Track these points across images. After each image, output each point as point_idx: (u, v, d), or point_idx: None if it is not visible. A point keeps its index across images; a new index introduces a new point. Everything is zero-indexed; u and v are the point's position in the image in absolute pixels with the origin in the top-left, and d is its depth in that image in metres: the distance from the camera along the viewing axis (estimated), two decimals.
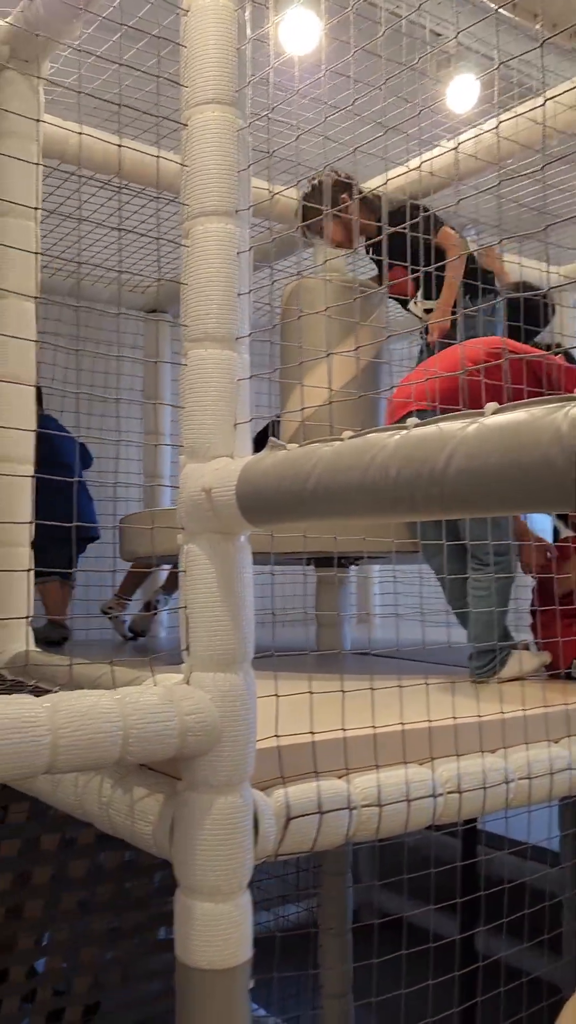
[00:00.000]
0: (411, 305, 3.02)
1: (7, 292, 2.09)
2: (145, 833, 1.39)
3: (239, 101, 1.43)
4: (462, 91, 2.99)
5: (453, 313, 2.75)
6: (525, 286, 2.87)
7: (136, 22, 2.08)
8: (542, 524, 2.84)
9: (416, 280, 2.82)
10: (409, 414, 2.29)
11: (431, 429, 1.02)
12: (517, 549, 2.44)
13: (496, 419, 0.96)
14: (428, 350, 2.95)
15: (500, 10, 1.79)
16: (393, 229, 1.95)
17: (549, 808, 3.22)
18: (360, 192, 2.89)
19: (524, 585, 2.58)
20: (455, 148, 2.35)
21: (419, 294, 2.93)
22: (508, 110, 2.37)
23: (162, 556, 2.94)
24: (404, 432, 1.06)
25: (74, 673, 1.64)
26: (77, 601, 3.61)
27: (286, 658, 1.57)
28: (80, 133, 2.49)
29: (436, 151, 2.63)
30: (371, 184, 3.09)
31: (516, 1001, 2.49)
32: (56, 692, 1.26)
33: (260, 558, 1.49)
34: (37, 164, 2.16)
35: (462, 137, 2.67)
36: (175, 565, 1.43)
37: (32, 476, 2.09)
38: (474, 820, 3.19)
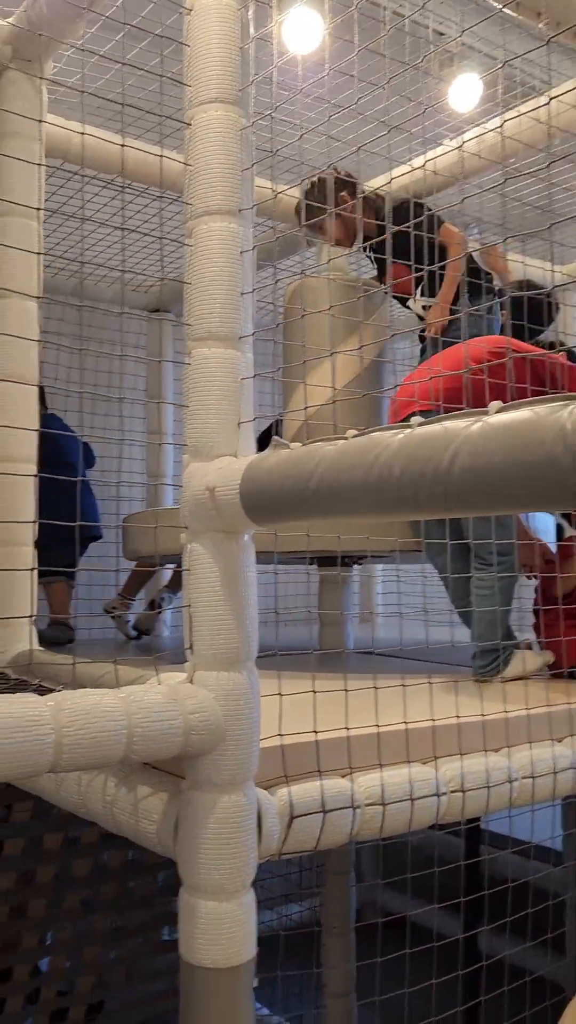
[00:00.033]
0: (410, 303, 3.02)
1: (10, 292, 2.09)
2: (149, 832, 1.39)
3: (242, 100, 1.43)
4: (465, 90, 2.99)
5: (452, 311, 2.75)
6: (529, 285, 2.87)
7: (139, 21, 2.08)
8: (545, 523, 2.83)
9: (416, 278, 2.82)
10: (413, 414, 2.29)
11: (435, 428, 1.02)
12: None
13: (500, 418, 0.96)
14: (431, 345, 2.95)
15: (504, 9, 1.79)
16: (397, 228, 1.95)
17: (552, 807, 3.22)
18: (361, 191, 2.90)
19: (527, 584, 2.58)
20: (459, 147, 2.35)
21: (418, 292, 2.93)
22: (511, 109, 2.37)
23: (165, 555, 2.95)
24: (408, 431, 1.06)
25: (77, 672, 1.64)
26: (80, 600, 3.61)
27: (289, 657, 1.57)
28: (83, 133, 2.49)
29: (440, 150, 2.63)
30: (375, 183, 3.09)
31: (519, 1000, 2.48)
32: (60, 691, 1.26)
33: (263, 557, 1.49)
34: (40, 164, 2.16)
35: (466, 136, 2.66)
36: (179, 564, 1.43)
37: (36, 476, 2.09)
38: (477, 819, 3.19)
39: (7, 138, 2.17)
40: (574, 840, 3.50)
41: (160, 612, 3.71)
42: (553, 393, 0.97)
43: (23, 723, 1.14)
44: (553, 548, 2.66)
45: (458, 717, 1.68)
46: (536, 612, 2.53)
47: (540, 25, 1.98)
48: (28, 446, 2.13)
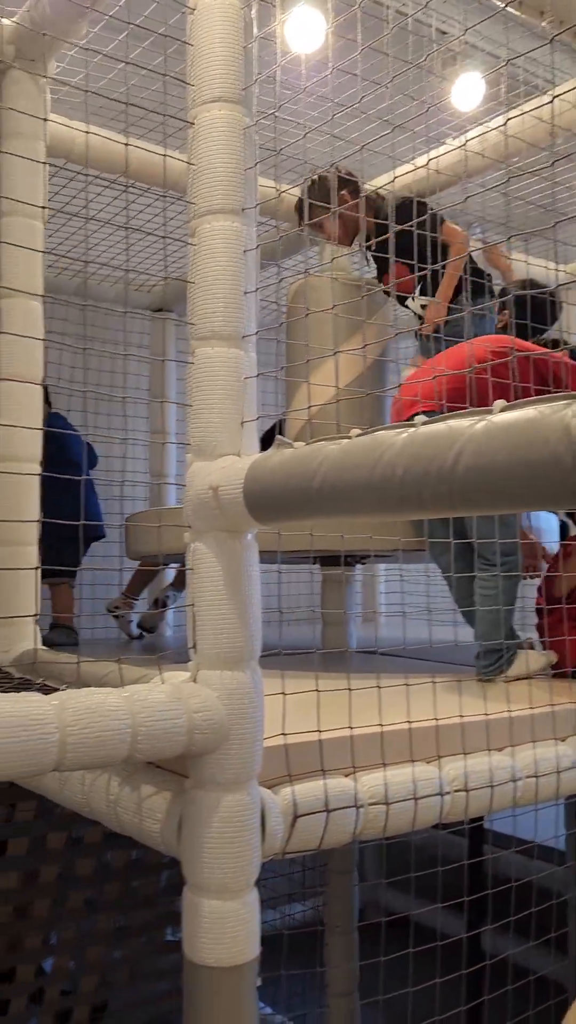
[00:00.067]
0: (409, 301, 3.02)
1: (13, 291, 2.09)
2: (153, 831, 1.39)
3: (245, 99, 1.43)
4: (468, 89, 2.98)
5: (449, 309, 2.75)
6: (532, 284, 2.87)
7: (142, 21, 2.08)
8: (549, 522, 2.83)
9: (417, 277, 2.82)
10: (416, 415, 2.28)
11: (440, 427, 1.02)
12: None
13: (504, 417, 0.96)
14: (423, 343, 2.95)
15: (507, 8, 1.79)
16: (400, 228, 1.94)
17: (556, 807, 3.22)
18: (360, 190, 2.90)
19: (530, 584, 2.58)
20: (463, 146, 2.35)
21: (416, 290, 2.93)
22: (514, 108, 2.37)
23: (169, 555, 2.95)
24: (412, 430, 1.06)
25: (81, 671, 1.64)
26: (83, 600, 3.61)
27: (292, 657, 1.57)
28: (86, 132, 2.50)
29: (442, 149, 2.63)
30: (379, 182, 3.09)
31: (523, 1000, 2.48)
32: (64, 690, 1.26)
33: (266, 556, 1.50)
34: (43, 163, 2.16)
35: (468, 135, 2.66)
36: (183, 563, 1.43)
37: (39, 475, 2.09)
38: (481, 819, 3.19)
39: (10, 137, 2.17)
40: None
41: (166, 610, 3.71)
42: (556, 392, 0.96)
43: (27, 722, 1.14)
44: (556, 548, 2.66)
45: (462, 716, 1.68)
46: (539, 612, 2.53)
47: (543, 24, 1.98)
48: (32, 445, 2.13)
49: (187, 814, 1.33)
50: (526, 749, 1.75)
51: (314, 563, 2.99)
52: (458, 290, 2.80)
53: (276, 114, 1.53)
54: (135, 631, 3.68)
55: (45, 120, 2.21)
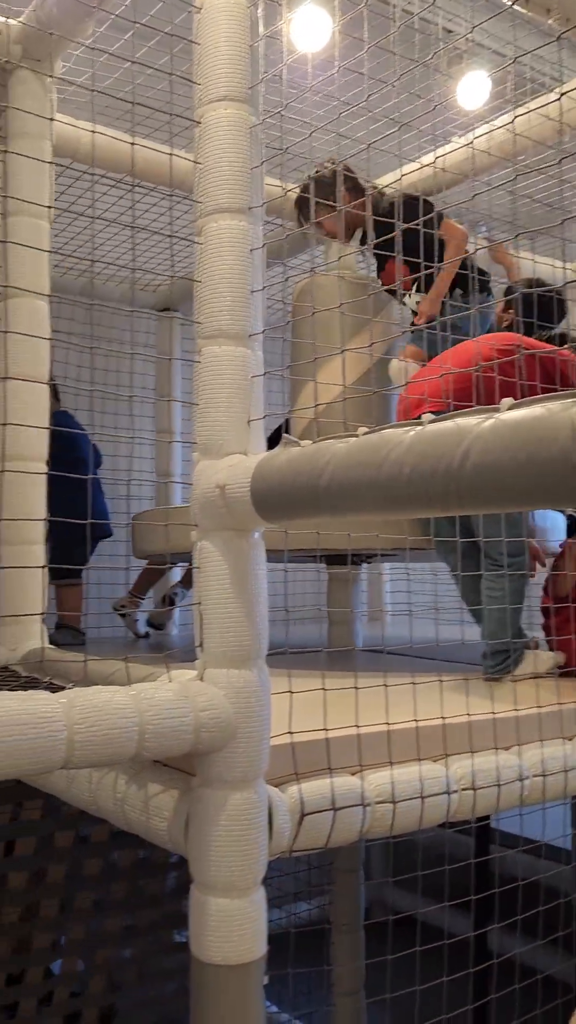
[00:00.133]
0: (405, 298, 3.01)
1: (20, 291, 2.09)
2: (160, 829, 1.39)
3: (252, 98, 1.43)
4: (474, 87, 2.98)
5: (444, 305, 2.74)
6: (538, 282, 2.86)
7: (148, 20, 2.08)
8: (555, 520, 2.82)
9: (414, 273, 2.81)
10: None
11: (447, 425, 1.02)
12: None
13: (512, 415, 0.96)
14: (415, 336, 2.94)
15: (514, 6, 1.79)
16: (405, 226, 1.94)
17: (563, 806, 3.21)
18: (359, 186, 2.89)
19: (537, 583, 2.57)
20: (469, 144, 2.34)
21: (414, 287, 2.92)
22: (521, 105, 2.37)
23: (175, 553, 2.95)
24: (419, 428, 1.06)
25: (88, 669, 1.64)
26: (89, 599, 3.61)
27: (299, 655, 1.57)
28: (93, 132, 2.49)
29: (449, 147, 2.63)
30: (385, 180, 3.08)
31: (529, 999, 2.48)
32: (71, 688, 1.27)
33: (273, 555, 1.50)
34: (49, 163, 2.16)
35: (475, 133, 2.66)
36: (190, 562, 1.43)
37: (46, 473, 2.09)
38: (487, 817, 3.18)
39: (17, 137, 2.17)
40: None
41: (174, 607, 3.72)
42: (564, 390, 0.96)
43: (36, 720, 1.15)
44: (557, 547, 2.65)
45: (469, 715, 1.68)
46: (545, 611, 2.53)
47: (550, 21, 1.98)
48: (38, 445, 2.13)
49: (194, 812, 1.33)
50: (534, 748, 1.75)
51: (320, 562, 2.99)
52: (454, 286, 2.79)
53: (282, 113, 1.52)
54: (142, 629, 3.68)
55: (51, 120, 2.21)
